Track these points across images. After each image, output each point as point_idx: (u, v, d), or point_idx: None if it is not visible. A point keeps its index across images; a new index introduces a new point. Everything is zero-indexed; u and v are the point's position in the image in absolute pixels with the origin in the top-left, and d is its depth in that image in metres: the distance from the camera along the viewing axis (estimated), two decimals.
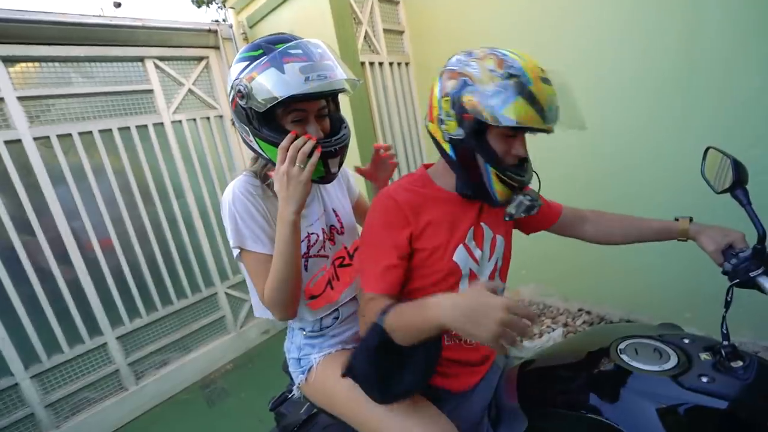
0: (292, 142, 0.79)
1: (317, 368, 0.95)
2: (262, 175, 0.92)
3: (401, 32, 2.67)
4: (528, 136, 0.80)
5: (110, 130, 2.17)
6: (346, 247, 1.03)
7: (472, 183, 0.82)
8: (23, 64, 1.94)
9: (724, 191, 0.81)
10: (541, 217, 1.01)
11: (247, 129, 0.84)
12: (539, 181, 0.86)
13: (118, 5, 6.50)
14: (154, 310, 2.35)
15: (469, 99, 0.73)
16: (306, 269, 0.93)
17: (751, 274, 0.73)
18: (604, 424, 0.66)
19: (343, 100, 2.02)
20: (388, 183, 1.07)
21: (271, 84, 0.76)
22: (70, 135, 2.03)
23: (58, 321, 2.00)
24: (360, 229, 1.12)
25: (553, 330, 2.25)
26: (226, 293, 2.68)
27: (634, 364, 0.70)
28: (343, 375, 0.76)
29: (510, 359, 1.01)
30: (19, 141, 1.89)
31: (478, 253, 0.86)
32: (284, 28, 1.09)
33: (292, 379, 1.03)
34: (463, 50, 0.80)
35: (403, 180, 0.90)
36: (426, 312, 0.63)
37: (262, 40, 0.83)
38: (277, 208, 0.89)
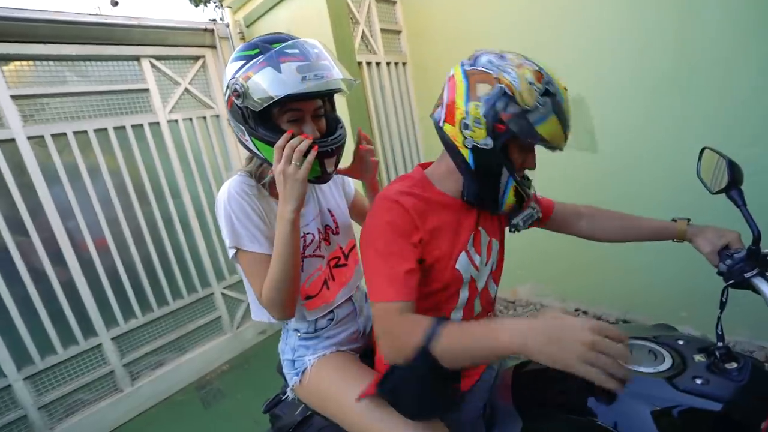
0: (288, 141, 0.78)
1: (311, 370, 0.95)
2: (258, 174, 0.92)
3: (398, 32, 2.67)
4: None
5: (105, 129, 2.15)
6: (341, 247, 1.03)
7: (482, 191, 0.79)
8: (17, 63, 1.92)
9: (720, 192, 0.81)
10: None
11: (243, 128, 0.83)
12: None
13: (115, 3, 6.46)
14: (149, 311, 2.34)
15: (507, 111, 0.69)
16: (302, 269, 0.92)
17: (746, 275, 0.73)
18: (598, 426, 0.65)
19: (341, 101, 2.02)
20: (376, 180, 1.04)
21: (267, 83, 0.75)
22: (64, 134, 2.02)
23: (52, 322, 1.98)
24: (357, 227, 1.11)
25: None
26: (223, 293, 2.67)
27: (629, 365, 0.70)
28: (377, 394, 0.73)
29: (505, 360, 1.00)
30: (12, 140, 1.87)
31: (477, 258, 0.85)
32: (281, 28, 1.08)
33: (286, 380, 1.02)
34: (487, 50, 0.75)
35: (402, 183, 0.83)
36: (492, 337, 0.59)
37: (258, 40, 0.82)
38: (272, 208, 0.89)
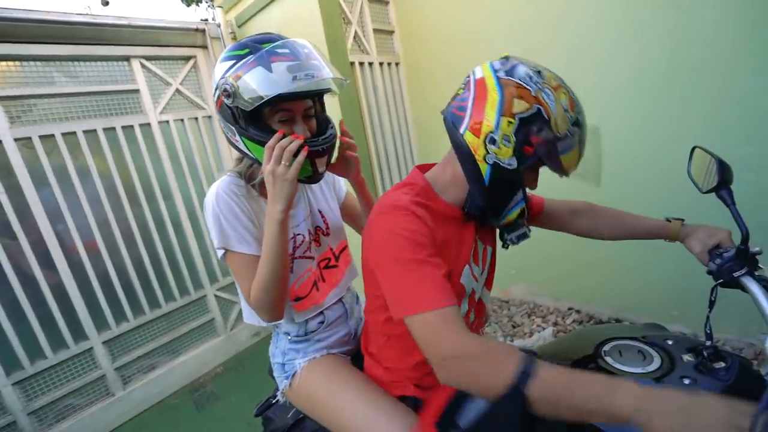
0: (278, 141, 0.78)
1: (301, 373, 0.94)
2: (248, 175, 0.91)
3: (391, 32, 2.66)
4: None
5: (95, 130, 2.12)
6: (332, 249, 1.02)
7: (488, 205, 0.76)
8: (3, 63, 1.89)
9: (710, 191, 0.82)
10: None
11: (233, 128, 0.83)
12: None
13: (106, 3, 6.40)
14: (141, 314, 2.31)
15: (539, 135, 0.66)
16: (291, 270, 0.92)
17: (735, 274, 0.74)
18: (587, 427, 0.65)
19: (333, 101, 2.01)
20: (362, 177, 1.01)
21: (258, 83, 0.75)
22: (53, 136, 1.99)
23: (41, 326, 1.95)
24: (348, 229, 1.11)
25: (544, 329, 2.26)
26: (216, 295, 2.65)
27: (618, 366, 0.70)
28: (440, 425, 0.71)
29: None
30: None
31: (476, 270, 0.84)
32: (273, 28, 1.07)
33: (277, 384, 1.01)
34: (521, 59, 0.70)
35: (407, 191, 0.76)
36: (608, 395, 0.51)
37: (248, 40, 0.82)
38: (262, 208, 0.88)
